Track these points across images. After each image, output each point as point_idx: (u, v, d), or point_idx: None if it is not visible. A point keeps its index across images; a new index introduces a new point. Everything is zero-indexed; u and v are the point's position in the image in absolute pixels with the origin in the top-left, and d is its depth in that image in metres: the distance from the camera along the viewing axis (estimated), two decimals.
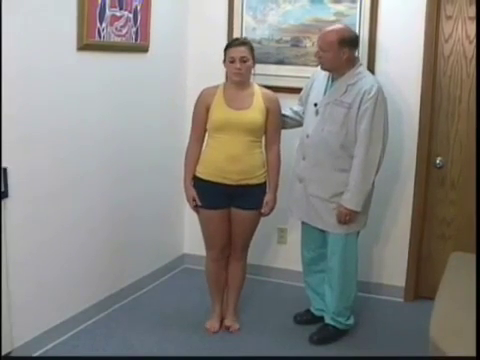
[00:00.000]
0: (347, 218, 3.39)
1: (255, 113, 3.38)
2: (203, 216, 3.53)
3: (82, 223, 3.56)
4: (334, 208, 3.43)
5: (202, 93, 3.48)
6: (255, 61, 3.43)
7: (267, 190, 3.52)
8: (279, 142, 3.53)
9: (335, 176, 3.41)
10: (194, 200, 3.48)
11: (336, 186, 3.41)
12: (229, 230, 3.53)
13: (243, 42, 3.41)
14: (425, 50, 3.88)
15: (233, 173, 3.37)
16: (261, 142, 3.48)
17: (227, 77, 3.48)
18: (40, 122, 3.18)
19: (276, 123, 3.50)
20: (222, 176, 3.38)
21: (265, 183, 3.51)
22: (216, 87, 3.46)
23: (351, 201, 3.36)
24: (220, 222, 3.49)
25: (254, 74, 3.46)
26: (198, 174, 3.47)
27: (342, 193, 3.39)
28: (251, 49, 3.39)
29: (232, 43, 3.40)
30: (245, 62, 3.33)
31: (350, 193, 3.36)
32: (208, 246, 3.61)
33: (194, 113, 3.50)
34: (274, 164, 3.52)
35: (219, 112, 3.38)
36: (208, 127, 3.44)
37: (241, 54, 3.32)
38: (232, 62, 3.33)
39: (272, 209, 3.55)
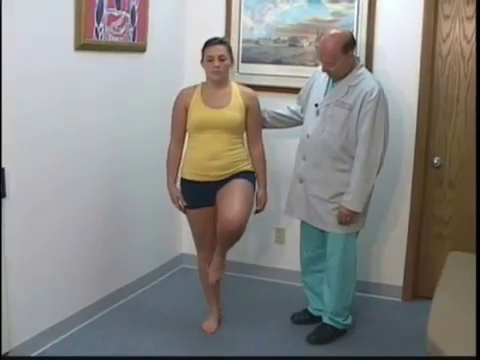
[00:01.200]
0: (348, 219, 3.39)
1: (233, 111, 3.38)
2: (191, 216, 3.54)
3: (80, 223, 3.56)
4: (334, 208, 3.43)
5: (180, 94, 3.48)
6: (233, 61, 3.45)
7: (257, 187, 3.52)
8: (261, 139, 3.54)
9: (335, 176, 3.41)
10: (179, 200, 3.49)
11: (336, 186, 3.41)
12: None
13: (221, 41, 3.41)
14: (423, 50, 3.88)
15: (215, 169, 3.37)
16: (242, 139, 3.48)
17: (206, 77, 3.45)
18: (38, 122, 3.17)
19: (256, 120, 3.51)
20: (205, 174, 3.39)
21: (253, 172, 3.49)
22: (194, 87, 3.45)
23: (352, 202, 3.36)
24: (208, 220, 3.48)
25: (233, 72, 3.46)
26: (182, 175, 3.49)
27: (342, 193, 3.39)
28: (229, 48, 3.40)
29: (210, 42, 3.37)
30: (223, 61, 3.33)
31: (351, 195, 3.36)
32: (198, 246, 3.62)
33: (173, 114, 3.49)
34: (260, 161, 3.53)
35: (197, 112, 3.37)
36: (188, 127, 3.44)
37: (219, 53, 3.32)
38: (210, 61, 3.33)
39: (265, 205, 3.57)
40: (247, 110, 3.43)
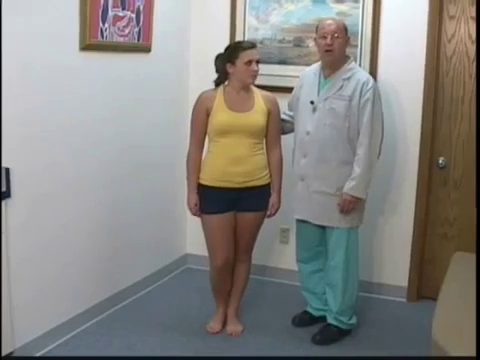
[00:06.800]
0: (351, 206, 3.41)
1: (258, 115, 3.37)
2: (208, 222, 3.46)
3: (84, 223, 3.57)
4: (339, 202, 3.44)
5: (201, 97, 3.43)
6: None
7: (271, 192, 3.51)
8: (280, 143, 3.54)
9: (340, 170, 3.43)
10: (196, 207, 3.46)
11: (342, 180, 3.42)
12: (234, 236, 3.49)
13: (254, 44, 3.40)
14: (427, 50, 3.88)
15: (237, 175, 3.35)
16: (263, 143, 3.47)
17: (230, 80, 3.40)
18: (43, 122, 3.18)
19: (277, 125, 3.50)
20: (226, 180, 3.36)
21: (269, 184, 3.49)
22: (215, 90, 3.42)
23: (356, 188, 3.38)
24: (225, 228, 3.44)
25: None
26: (201, 181, 3.43)
27: None
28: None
29: (246, 46, 3.34)
30: (258, 64, 3.34)
31: (355, 180, 3.37)
32: (213, 255, 3.50)
33: (193, 118, 3.45)
34: (277, 166, 3.52)
35: (221, 116, 3.34)
36: (209, 131, 3.40)
37: (257, 57, 3.33)
38: (248, 64, 3.30)
39: (277, 210, 3.55)
40: (269, 114, 3.42)
